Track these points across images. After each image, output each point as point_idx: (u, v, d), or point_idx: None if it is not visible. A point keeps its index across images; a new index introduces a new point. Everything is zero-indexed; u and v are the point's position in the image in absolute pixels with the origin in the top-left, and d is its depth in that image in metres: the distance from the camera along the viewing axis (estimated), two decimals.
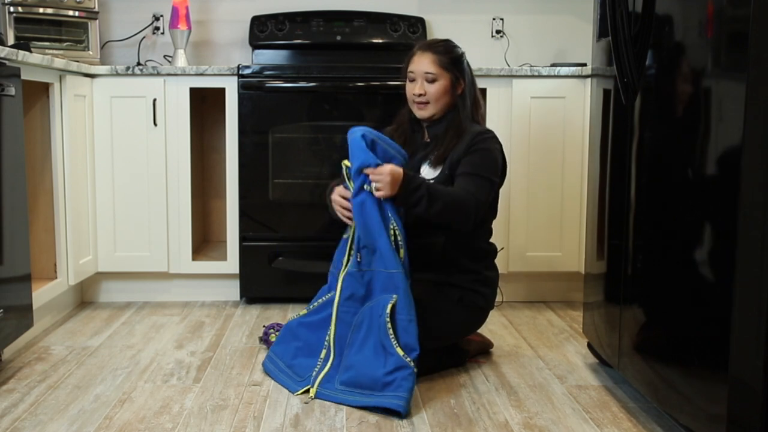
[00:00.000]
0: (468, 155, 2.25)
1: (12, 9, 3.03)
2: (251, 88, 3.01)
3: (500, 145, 2.33)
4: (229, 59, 3.62)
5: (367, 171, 2.10)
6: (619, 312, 2.07)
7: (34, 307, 2.44)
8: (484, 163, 2.25)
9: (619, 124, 2.10)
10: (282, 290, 3.10)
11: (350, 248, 2.22)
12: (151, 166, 3.04)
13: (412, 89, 2.34)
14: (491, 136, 2.30)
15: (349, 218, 2.21)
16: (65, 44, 3.18)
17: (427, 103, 2.32)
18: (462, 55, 2.37)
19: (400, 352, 2.03)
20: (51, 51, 3.08)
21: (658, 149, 1.85)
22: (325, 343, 2.19)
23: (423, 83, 2.31)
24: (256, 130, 3.03)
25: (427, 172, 2.32)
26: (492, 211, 2.38)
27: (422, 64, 2.32)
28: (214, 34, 3.62)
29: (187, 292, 3.20)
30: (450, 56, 2.32)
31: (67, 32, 3.19)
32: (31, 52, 2.46)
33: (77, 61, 2.91)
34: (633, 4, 1.96)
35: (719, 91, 1.57)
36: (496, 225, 2.47)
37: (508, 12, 3.65)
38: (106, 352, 2.48)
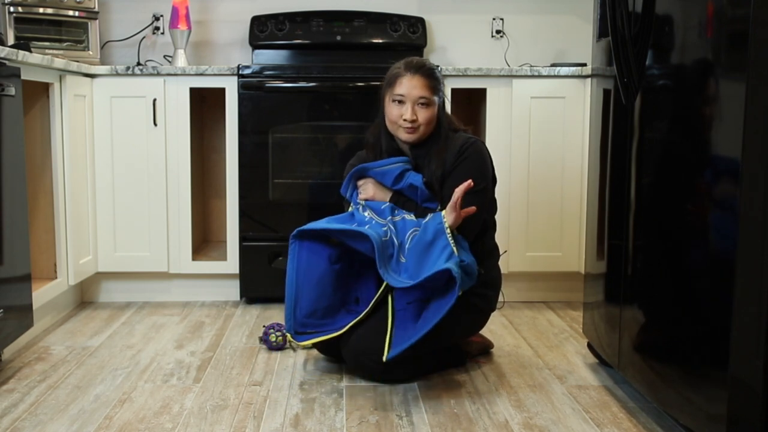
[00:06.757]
0: (455, 169, 2.25)
1: (12, 9, 3.03)
2: (251, 88, 3.01)
3: (484, 146, 2.33)
4: (229, 59, 3.62)
5: (359, 183, 2.37)
6: (619, 312, 2.07)
7: (34, 307, 2.44)
8: (469, 176, 2.22)
9: (619, 124, 2.10)
10: (282, 290, 3.06)
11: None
12: (151, 166, 3.04)
13: (400, 113, 2.27)
14: (474, 141, 2.29)
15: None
16: (65, 44, 3.18)
17: (418, 127, 2.28)
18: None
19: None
20: (51, 51, 3.08)
21: (658, 149, 1.85)
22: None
23: (414, 108, 2.26)
24: (256, 130, 3.03)
25: None
26: (492, 207, 2.39)
27: (415, 88, 2.26)
28: (214, 34, 3.62)
29: (187, 292, 3.20)
30: (438, 79, 2.31)
31: (67, 32, 3.19)
32: (31, 52, 2.46)
33: (77, 61, 2.91)
34: (633, 4, 1.96)
35: (719, 91, 1.57)
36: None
37: (508, 12, 3.65)
38: (106, 352, 2.48)
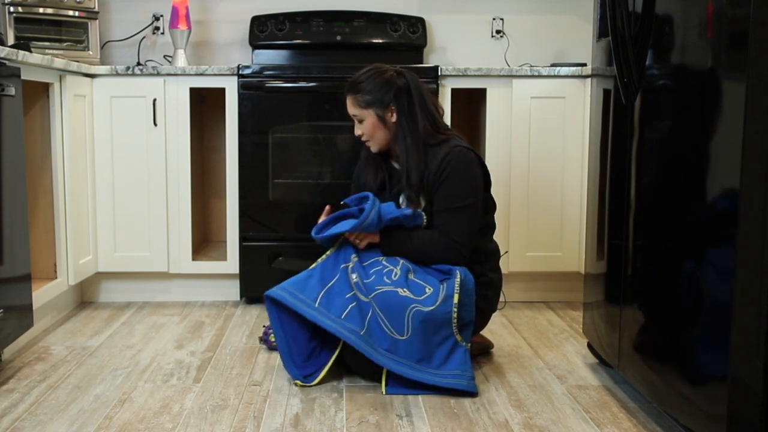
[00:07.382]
0: (440, 186, 2.23)
1: (12, 9, 3.03)
2: (251, 88, 3.01)
3: (472, 154, 2.27)
4: (229, 59, 3.62)
5: (348, 236, 2.30)
6: (619, 312, 2.07)
7: (34, 307, 2.44)
8: (457, 192, 2.22)
9: (619, 124, 2.10)
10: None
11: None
12: (151, 166, 3.04)
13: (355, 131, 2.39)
14: (457, 153, 2.23)
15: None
16: (65, 44, 3.18)
17: (369, 140, 2.34)
18: (386, 82, 2.28)
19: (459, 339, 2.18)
20: (51, 51, 3.08)
21: (658, 149, 1.85)
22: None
23: (357, 124, 2.35)
24: (256, 130, 3.03)
25: (405, 204, 2.29)
26: (491, 207, 2.39)
27: (348, 108, 2.35)
28: (214, 34, 3.62)
29: (187, 292, 3.20)
30: (367, 91, 2.28)
31: (67, 32, 3.19)
32: (31, 52, 2.46)
33: (77, 61, 2.91)
34: (633, 4, 1.96)
35: (719, 91, 1.57)
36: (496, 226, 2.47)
37: (508, 12, 3.65)
38: (106, 352, 2.48)
